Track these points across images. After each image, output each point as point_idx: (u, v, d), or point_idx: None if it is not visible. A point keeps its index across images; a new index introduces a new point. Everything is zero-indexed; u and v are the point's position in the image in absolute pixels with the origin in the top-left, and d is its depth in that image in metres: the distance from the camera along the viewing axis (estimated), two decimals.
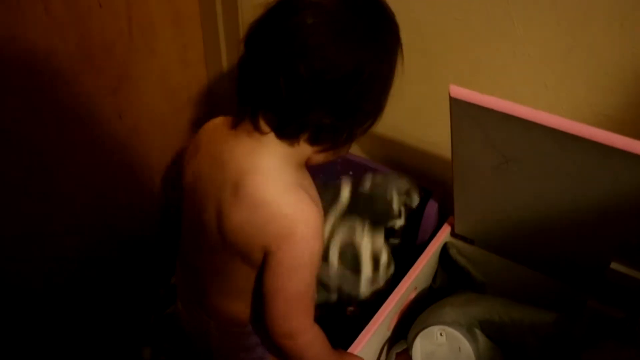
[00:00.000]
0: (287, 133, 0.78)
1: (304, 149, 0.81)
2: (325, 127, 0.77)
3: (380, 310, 1.02)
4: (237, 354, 0.98)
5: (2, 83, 0.92)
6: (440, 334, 0.99)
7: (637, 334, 1.01)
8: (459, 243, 1.19)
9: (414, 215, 1.27)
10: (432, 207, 1.21)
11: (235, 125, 0.83)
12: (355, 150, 1.38)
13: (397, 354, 1.07)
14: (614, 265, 0.97)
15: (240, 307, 0.92)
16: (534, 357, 1.00)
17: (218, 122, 0.89)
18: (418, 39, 1.13)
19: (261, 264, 0.82)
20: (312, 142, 0.80)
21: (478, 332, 1.00)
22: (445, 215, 1.22)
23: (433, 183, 1.25)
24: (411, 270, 1.10)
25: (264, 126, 0.78)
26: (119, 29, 1.05)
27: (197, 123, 1.36)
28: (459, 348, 0.98)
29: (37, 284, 1.13)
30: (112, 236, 1.26)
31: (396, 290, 1.06)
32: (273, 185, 0.78)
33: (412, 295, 1.14)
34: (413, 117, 1.23)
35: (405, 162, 1.30)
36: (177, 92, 1.27)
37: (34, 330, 1.16)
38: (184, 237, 0.97)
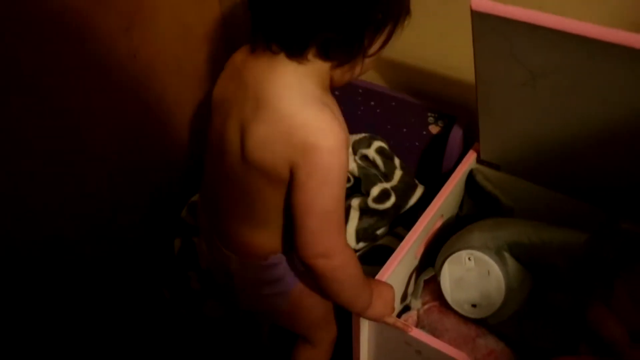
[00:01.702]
0: (293, 51, 0.77)
1: (321, 67, 0.79)
2: (332, 42, 0.76)
3: (406, 238, 1.01)
4: (259, 289, 0.96)
5: (13, 26, 0.90)
6: (469, 259, 0.97)
7: None
8: (485, 169, 1.17)
9: (438, 143, 1.24)
10: (456, 133, 1.18)
11: (253, 50, 0.83)
12: (377, 79, 1.34)
13: (425, 281, 1.06)
14: None
15: (263, 237, 0.91)
16: (565, 278, 0.98)
17: (244, 49, 0.88)
18: None
19: (288, 185, 0.81)
20: (323, 57, 0.78)
21: (507, 255, 0.98)
22: (470, 142, 1.19)
23: (457, 109, 1.22)
24: (436, 198, 1.08)
25: (274, 47, 0.78)
26: None
27: (213, 61, 1.33)
28: (488, 272, 0.96)
29: (67, 230, 1.15)
30: (132, 175, 1.26)
31: (422, 217, 1.04)
32: (293, 98, 0.77)
33: (439, 224, 1.12)
34: (433, 41, 1.19)
35: (427, 89, 1.26)
36: (191, 29, 1.24)
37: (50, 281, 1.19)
38: (207, 165, 0.96)
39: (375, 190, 1.24)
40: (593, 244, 0.95)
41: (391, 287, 0.94)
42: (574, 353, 0.95)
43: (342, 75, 0.83)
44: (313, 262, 0.80)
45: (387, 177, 1.27)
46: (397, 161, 1.29)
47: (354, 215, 1.25)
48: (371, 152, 1.29)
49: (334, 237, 0.80)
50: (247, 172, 0.83)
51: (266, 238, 0.91)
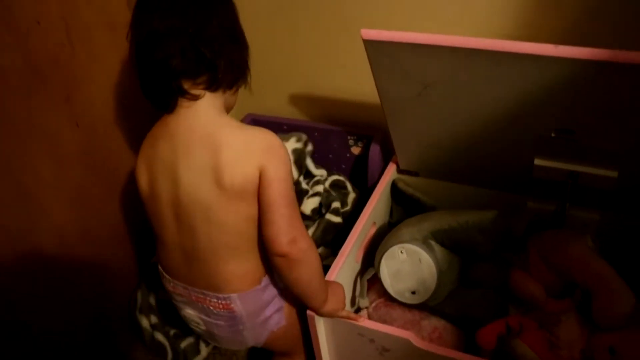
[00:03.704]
0: (220, 82, 0.95)
1: (225, 96, 0.99)
2: (236, 63, 0.96)
3: (345, 244, 1.14)
4: (262, 313, 1.07)
5: None
6: (401, 252, 1.10)
7: (567, 218, 1.15)
8: (406, 177, 1.32)
9: (361, 162, 1.39)
10: (374, 150, 1.33)
11: (169, 114, 0.98)
12: (297, 115, 1.49)
13: (369, 281, 1.19)
14: (537, 162, 1.10)
15: (252, 265, 1.02)
16: (484, 251, 1.13)
17: (149, 133, 1.04)
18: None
19: (257, 201, 0.95)
20: (229, 84, 0.97)
21: (433, 242, 1.13)
22: (389, 156, 1.35)
23: (372, 128, 1.37)
24: (366, 207, 1.22)
25: (197, 92, 0.94)
26: (60, 42, 1.14)
27: (153, 120, 1.45)
28: (420, 260, 1.09)
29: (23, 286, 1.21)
30: (88, 238, 1.34)
31: (356, 225, 1.18)
32: (231, 126, 0.96)
33: (373, 230, 1.26)
34: (342, 73, 1.35)
35: (343, 115, 1.41)
36: (126, 93, 1.34)
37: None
38: (167, 234, 1.04)
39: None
40: (502, 217, 1.11)
41: (341, 284, 1.06)
42: (505, 315, 1.08)
43: (234, 98, 1.03)
44: (288, 249, 0.93)
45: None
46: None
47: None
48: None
49: (300, 222, 0.97)
50: (229, 205, 0.95)
51: (258, 262, 1.03)
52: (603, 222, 1.19)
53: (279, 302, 1.09)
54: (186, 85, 0.93)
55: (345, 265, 1.13)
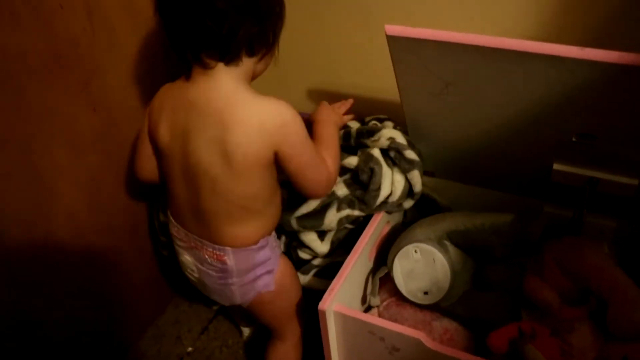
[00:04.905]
0: (232, 56, 0.95)
1: (247, 64, 0.99)
2: (255, 36, 0.95)
3: (358, 242, 1.14)
4: (252, 272, 1.10)
5: None
6: (415, 251, 1.09)
7: (584, 224, 1.14)
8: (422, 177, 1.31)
9: None
10: None
11: (187, 78, 1.01)
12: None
13: (381, 280, 1.18)
14: (556, 166, 1.10)
15: (254, 228, 1.07)
16: (499, 254, 1.12)
17: (170, 85, 1.07)
18: None
19: (271, 168, 1.02)
20: (250, 54, 0.98)
21: (448, 243, 1.12)
22: None
23: None
24: None
25: (210, 62, 0.96)
26: (81, 27, 1.13)
27: None
28: (434, 260, 1.09)
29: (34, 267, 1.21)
30: (102, 226, 1.34)
31: (369, 224, 1.18)
32: (246, 101, 0.97)
33: (387, 229, 1.25)
34: (361, 70, 1.35)
35: (362, 113, 1.40)
36: (143, 82, 1.34)
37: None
38: (178, 190, 1.08)
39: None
40: (518, 221, 1.10)
41: (323, 107, 1.22)
42: (518, 320, 1.07)
43: (264, 65, 1.04)
44: (323, 194, 1.11)
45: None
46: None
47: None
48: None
49: (325, 168, 1.05)
50: (236, 178, 0.99)
51: (257, 227, 1.08)
52: (620, 229, 1.18)
53: (271, 265, 1.13)
54: (202, 54, 0.95)
55: (358, 263, 1.12)
